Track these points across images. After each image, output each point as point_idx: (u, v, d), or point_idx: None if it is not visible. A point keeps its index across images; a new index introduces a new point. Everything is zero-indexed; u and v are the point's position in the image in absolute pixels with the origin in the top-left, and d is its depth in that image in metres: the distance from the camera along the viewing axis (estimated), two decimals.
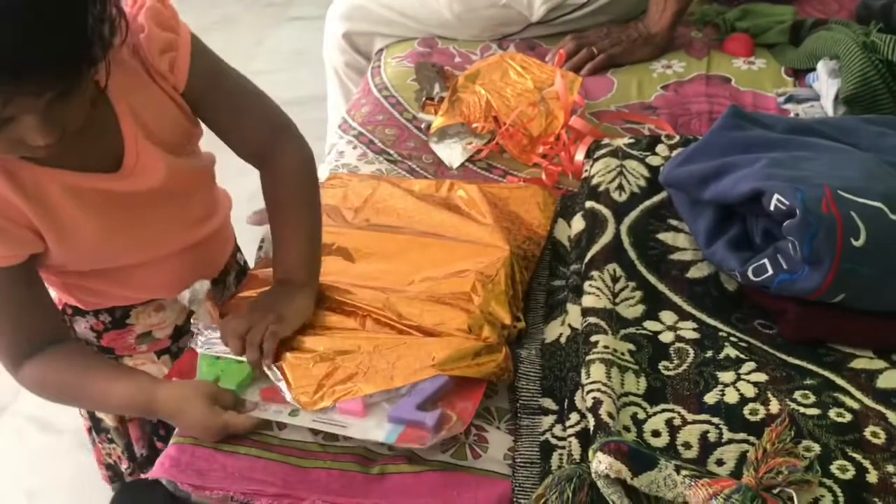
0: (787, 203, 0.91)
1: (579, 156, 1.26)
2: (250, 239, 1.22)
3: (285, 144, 1.00)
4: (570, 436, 0.87)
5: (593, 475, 0.79)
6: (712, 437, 0.85)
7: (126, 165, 0.91)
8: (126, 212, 0.93)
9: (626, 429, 0.87)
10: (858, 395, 0.89)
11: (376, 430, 0.89)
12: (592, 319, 0.96)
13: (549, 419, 0.91)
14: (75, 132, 0.81)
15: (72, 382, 0.93)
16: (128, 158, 0.91)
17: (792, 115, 1.39)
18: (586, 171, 1.21)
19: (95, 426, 1.17)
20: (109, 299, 1.04)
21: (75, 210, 0.89)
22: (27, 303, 0.91)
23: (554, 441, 0.89)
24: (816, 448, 0.83)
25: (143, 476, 0.90)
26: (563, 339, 0.99)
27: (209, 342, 0.97)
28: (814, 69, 1.45)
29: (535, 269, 1.10)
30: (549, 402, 0.93)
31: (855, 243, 0.90)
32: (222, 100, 0.96)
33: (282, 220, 1.01)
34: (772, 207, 0.93)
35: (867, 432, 0.85)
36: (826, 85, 1.38)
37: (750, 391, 0.89)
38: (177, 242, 1.02)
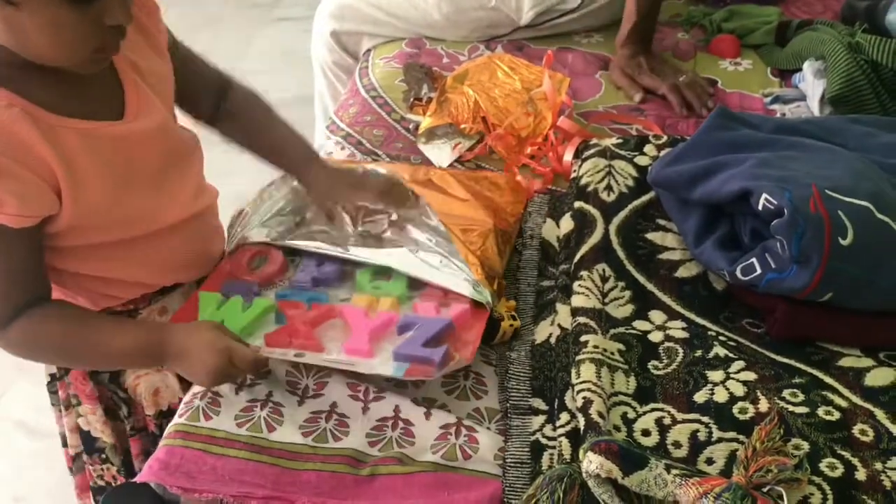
0: (775, 202, 0.92)
1: (568, 156, 1.26)
2: None
3: (237, 81, 1.12)
4: (560, 435, 0.88)
5: (584, 475, 0.79)
6: (702, 436, 0.86)
7: (128, 111, 0.93)
8: (133, 166, 0.94)
9: (617, 428, 0.87)
10: (846, 393, 0.90)
11: (383, 366, 0.93)
12: (582, 319, 0.96)
13: (540, 419, 0.92)
14: (80, 81, 0.88)
15: (71, 335, 0.93)
16: (129, 103, 0.93)
17: (778, 115, 1.40)
18: (575, 171, 1.21)
19: (88, 447, 1.13)
20: (118, 289, 1.02)
21: (90, 160, 0.89)
22: (22, 267, 0.90)
23: (544, 441, 0.89)
24: (805, 446, 0.84)
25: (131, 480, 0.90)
26: (552, 340, 0.99)
27: None
28: (800, 69, 1.46)
29: (513, 248, 1.14)
30: (539, 403, 0.93)
31: (842, 242, 0.91)
32: (185, 53, 1.06)
33: (271, 124, 1.10)
34: (760, 207, 0.93)
35: (855, 430, 0.86)
36: (812, 85, 1.39)
37: (739, 390, 0.89)
38: (178, 210, 1.01)
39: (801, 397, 0.89)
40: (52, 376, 1.11)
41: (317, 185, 1.09)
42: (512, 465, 0.88)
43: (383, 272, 1.06)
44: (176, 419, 0.94)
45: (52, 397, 1.14)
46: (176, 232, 1.02)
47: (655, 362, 0.94)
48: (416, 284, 1.04)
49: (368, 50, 1.70)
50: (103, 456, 1.13)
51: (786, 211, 0.91)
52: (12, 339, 0.92)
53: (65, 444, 1.18)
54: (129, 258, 0.99)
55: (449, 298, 1.01)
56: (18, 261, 0.89)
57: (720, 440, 0.85)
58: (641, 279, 1.04)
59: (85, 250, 0.96)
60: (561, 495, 0.79)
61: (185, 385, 1.05)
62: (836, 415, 0.87)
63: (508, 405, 0.94)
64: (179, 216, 1.02)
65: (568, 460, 0.85)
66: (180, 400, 1.04)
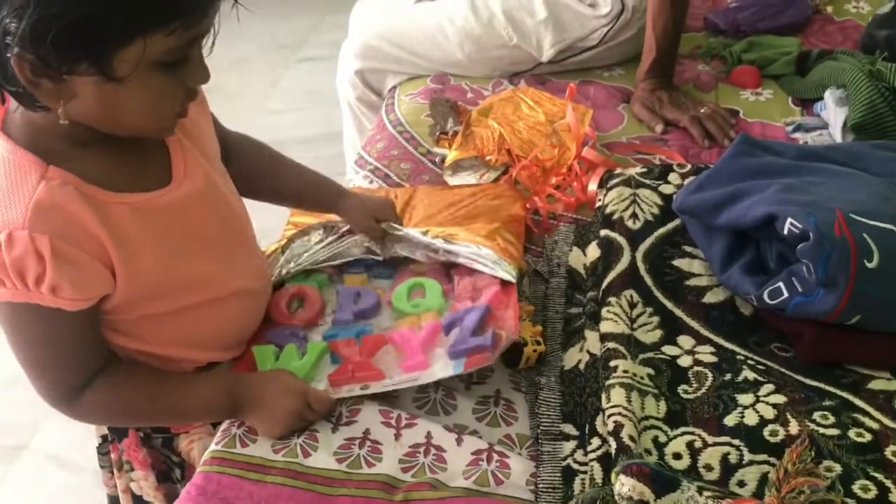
0: (800, 227, 0.93)
1: (592, 186, 1.28)
2: None
3: (233, 132, 1.13)
4: (591, 460, 0.88)
5: (616, 497, 0.80)
6: (733, 458, 0.86)
7: (175, 175, 0.92)
8: (187, 230, 0.93)
9: (648, 452, 0.88)
10: (878, 415, 0.90)
11: (443, 370, 0.97)
12: (611, 345, 0.97)
13: (571, 444, 0.92)
14: (134, 153, 0.88)
15: (144, 397, 0.94)
16: (175, 167, 0.92)
17: (801, 143, 1.41)
18: (600, 200, 1.23)
19: None
20: (169, 366, 1.00)
21: (142, 233, 0.88)
22: (81, 343, 0.90)
23: (576, 466, 0.90)
24: (837, 468, 0.84)
25: None
26: (581, 366, 1.00)
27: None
28: (821, 98, 1.47)
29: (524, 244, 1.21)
30: (569, 428, 0.94)
31: (868, 265, 0.92)
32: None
33: (281, 166, 1.15)
34: (785, 231, 0.94)
35: (888, 452, 0.86)
36: (834, 113, 1.41)
37: (769, 413, 0.90)
38: (235, 276, 1.00)
39: (832, 419, 0.89)
40: (104, 438, 1.10)
41: (353, 211, 1.16)
42: (544, 490, 0.89)
43: (417, 289, 1.10)
44: (213, 446, 0.95)
45: (102, 459, 1.12)
46: (234, 300, 1.00)
47: (685, 386, 0.95)
48: (448, 293, 1.09)
49: (394, 87, 1.74)
50: None
51: (811, 235, 0.92)
52: (84, 411, 0.93)
53: None
54: (183, 329, 0.97)
55: (478, 288, 1.06)
56: (78, 340, 0.89)
57: (751, 463, 0.86)
58: (669, 305, 1.05)
59: (139, 323, 0.94)
60: None
61: None
62: (868, 437, 0.87)
63: (539, 431, 0.95)
64: (237, 283, 1.00)
65: (600, 484, 0.85)
66: None
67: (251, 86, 3.03)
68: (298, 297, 1.11)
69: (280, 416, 0.93)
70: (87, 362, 0.91)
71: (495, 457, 0.92)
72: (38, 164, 0.82)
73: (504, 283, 1.06)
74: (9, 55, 0.74)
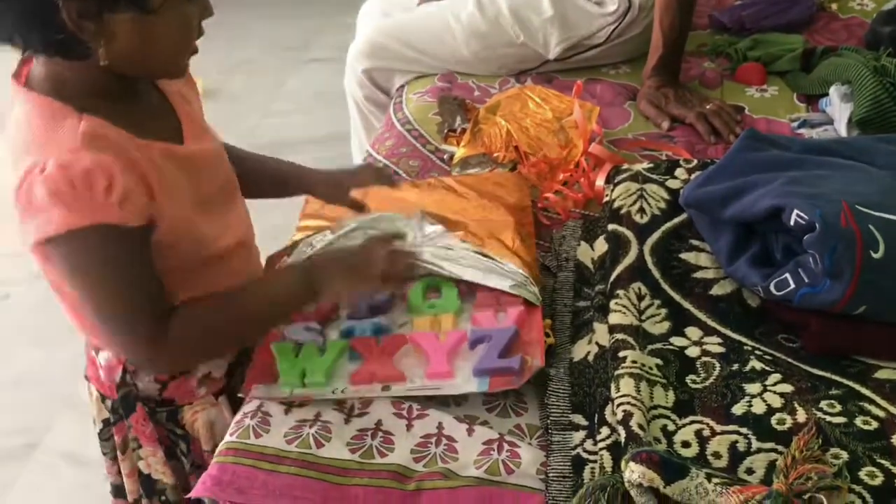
0: (806, 218, 0.94)
1: (599, 181, 1.29)
2: None
3: None
4: (601, 449, 0.90)
5: (626, 484, 0.81)
6: (741, 446, 0.87)
7: (186, 135, 0.98)
8: (199, 188, 0.97)
9: (657, 440, 0.89)
10: (884, 403, 0.91)
11: (466, 384, 0.98)
12: (620, 336, 0.98)
13: (580, 434, 0.93)
14: (149, 108, 0.96)
15: (231, 309, 0.96)
16: (185, 128, 0.98)
17: (806, 138, 1.42)
18: (607, 195, 1.24)
19: (147, 491, 1.13)
20: None
21: (172, 177, 0.92)
22: (152, 266, 0.92)
23: (585, 455, 0.91)
24: (844, 455, 0.85)
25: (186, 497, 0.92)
26: (590, 357, 1.01)
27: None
28: (826, 95, 1.48)
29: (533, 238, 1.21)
30: (578, 418, 0.95)
31: (874, 256, 0.93)
32: None
33: (248, 161, 1.15)
34: (792, 223, 0.96)
35: (894, 439, 0.87)
36: (839, 109, 1.42)
37: (777, 402, 0.91)
38: (243, 227, 1.08)
39: (839, 408, 0.90)
40: (106, 422, 1.11)
41: (324, 185, 1.20)
42: (554, 479, 0.90)
43: (432, 287, 1.10)
44: (227, 437, 0.97)
45: (104, 445, 1.14)
46: (231, 258, 1.04)
47: (693, 376, 0.96)
48: (465, 295, 1.09)
49: (402, 85, 1.75)
50: (163, 498, 1.13)
51: (817, 226, 0.93)
52: (175, 347, 0.93)
53: (117, 495, 1.17)
54: (198, 287, 0.99)
55: (502, 303, 1.06)
56: (148, 263, 0.91)
57: (759, 450, 0.87)
58: (677, 297, 1.06)
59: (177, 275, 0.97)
60: None
61: None
62: (874, 424, 0.88)
63: (549, 421, 0.96)
64: (246, 232, 1.07)
65: (610, 473, 0.86)
66: None
67: (258, 87, 3.05)
68: None
69: (365, 268, 0.97)
70: (162, 290, 0.93)
71: (506, 446, 0.93)
72: (71, 110, 0.87)
73: (528, 303, 1.06)
74: (56, 1, 0.81)
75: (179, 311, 0.93)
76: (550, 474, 0.90)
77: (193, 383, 1.07)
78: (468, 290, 1.11)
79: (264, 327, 1.03)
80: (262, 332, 1.04)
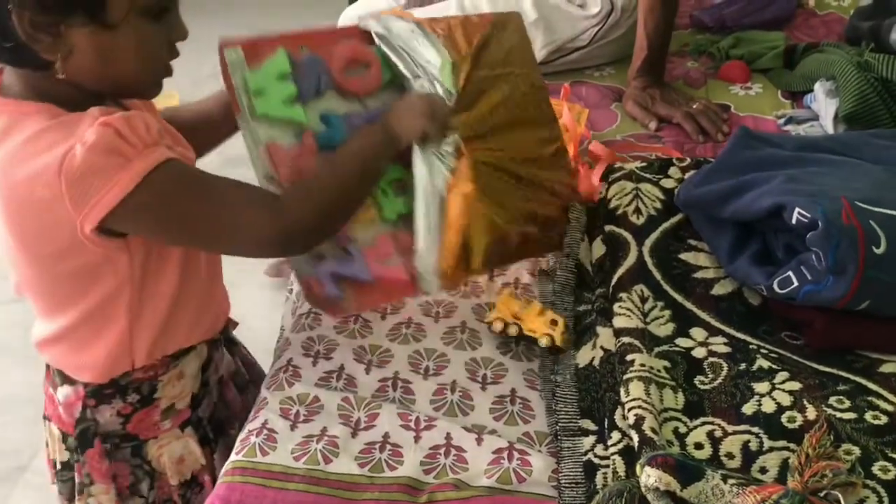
0: (808, 216, 0.95)
1: (595, 179, 1.28)
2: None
3: None
4: (612, 454, 0.89)
5: (643, 489, 0.80)
6: (753, 446, 0.87)
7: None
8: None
9: (670, 443, 0.89)
10: (891, 397, 0.91)
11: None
12: (626, 339, 0.98)
13: (590, 440, 0.93)
14: None
15: (328, 176, 0.99)
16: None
17: (793, 135, 1.43)
18: (602, 193, 1.23)
19: None
20: (164, 339, 1.01)
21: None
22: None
23: (596, 461, 0.91)
24: (856, 451, 0.86)
25: None
26: (596, 362, 1.01)
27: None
28: (810, 91, 1.49)
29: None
30: (588, 424, 0.95)
31: (877, 251, 0.94)
32: None
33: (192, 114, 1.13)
34: (794, 221, 0.96)
35: None
36: (825, 105, 1.43)
37: (786, 400, 0.91)
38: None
39: (848, 403, 0.91)
40: (64, 464, 1.07)
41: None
42: (567, 485, 0.89)
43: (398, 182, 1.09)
44: (232, 457, 0.95)
45: (62, 486, 1.09)
46: (208, 276, 1.03)
47: (701, 377, 0.96)
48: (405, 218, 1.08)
49: None
50: None
51: (820, 223, 0.94)
52: (296, 209, 0.93)
53: None
54: (180, 296, 0.99)
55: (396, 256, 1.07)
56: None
57: (771, 449, 0.87)
58: (679, 298, 1.06)
59: (155, 279, 0.96)
60: None
61: (206, 452, 1.07)
62: (884, 419, 0.89)
63: (558, 428, 0.95)
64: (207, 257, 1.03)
65: (623, 477, 0.86)
66: (202, 466, 1.06)
67: None
68: (364, 63, 1.10)
69: (419, 110, 1.03)
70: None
71: (516, 455, 0.93)
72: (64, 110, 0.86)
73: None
74: (9, 7, 0.79)
75: (285, 188, 0.98)
76: (563, 481, 0.90)
77: (156, 416, 1.03)
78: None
79: (363, 184, 1.03)
80: (363, 188, 1.03)
